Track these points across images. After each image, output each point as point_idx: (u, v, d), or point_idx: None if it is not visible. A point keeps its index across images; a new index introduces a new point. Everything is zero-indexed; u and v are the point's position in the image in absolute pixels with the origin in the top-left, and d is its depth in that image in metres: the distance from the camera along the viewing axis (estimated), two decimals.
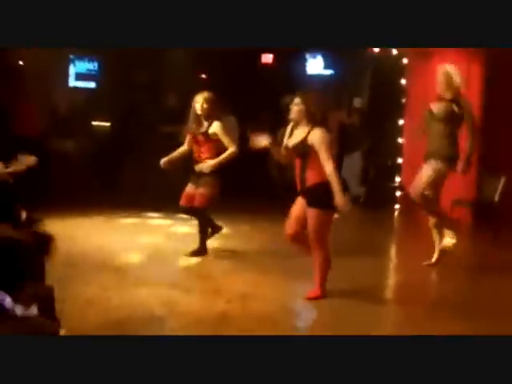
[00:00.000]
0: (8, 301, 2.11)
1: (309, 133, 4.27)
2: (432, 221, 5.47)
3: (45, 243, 3.25)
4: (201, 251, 5.65)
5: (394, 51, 8.88)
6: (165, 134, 9.68)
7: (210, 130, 5.50)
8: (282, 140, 4.57)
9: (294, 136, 4.40)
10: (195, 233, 5.78)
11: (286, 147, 4.43)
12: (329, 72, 10.40)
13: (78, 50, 9.90)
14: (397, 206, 9.08)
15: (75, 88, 10.56)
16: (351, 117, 9.89)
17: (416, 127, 5.42)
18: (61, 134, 9.52)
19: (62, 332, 2.53)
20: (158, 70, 10.36)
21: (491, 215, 7.61)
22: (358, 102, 9.90)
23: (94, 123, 10.49)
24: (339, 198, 4.13)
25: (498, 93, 8.26)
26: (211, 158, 5.52)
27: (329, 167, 4.16)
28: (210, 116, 5.51)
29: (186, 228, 6.95)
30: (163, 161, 5.72)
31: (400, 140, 9.12)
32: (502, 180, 7.66)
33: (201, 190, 5.50)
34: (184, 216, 6.07)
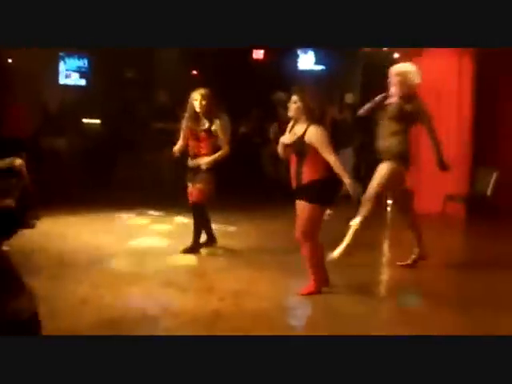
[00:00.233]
0: None
1: (306, 130, 4.27)
2: (409, 222, 5.37)
3: None
4: (194, 248, 5.63)
5: None
6: (156, 131, 9.65)
7: (213, 128, 5.51)
8: (275, 136, 4.56)
9: (292, 133, 4.39)
10: (188, 231, 5.75)
11: (283, 144, 4.41)
12: (320, 67, 10.39)
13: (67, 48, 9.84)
14: (389, 202, 9.07)
15: (65, 86, 10.49)
16: (343, 112, 9.88)
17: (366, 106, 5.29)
18: (52, 132, 9.46)
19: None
20: (149, 66, 10.31)
21: (484, 209, 7.64)
22: (349, 98, 9.88)
23: (85, 121, 10.43)
24: (349, 186, 4.20)
25: (490, 87, 8.28)
26: (209, 154, 5.53)
27: (332, 160, 4.20)
28: (209, 113, 5.51)
29: (179, 226, 6.92)
30: (175, 149, 5.66)
31: None
32: (495, 174, 7.68)
33: (198, 186, 5.52)
34: (178, 213, 6.03)
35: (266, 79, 9.84)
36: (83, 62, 10.80)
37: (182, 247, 5.66)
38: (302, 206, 4.31)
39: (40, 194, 5.07)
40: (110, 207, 7.78)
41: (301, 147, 4.27)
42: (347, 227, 5.03)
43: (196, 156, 5.57)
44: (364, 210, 5.02)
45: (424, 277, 5.14)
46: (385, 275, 5.43)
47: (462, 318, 4.04)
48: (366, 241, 6.50)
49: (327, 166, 4.29)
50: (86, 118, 10.43)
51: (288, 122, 4.50)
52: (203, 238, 5.77)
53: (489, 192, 7.66)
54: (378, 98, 5.24)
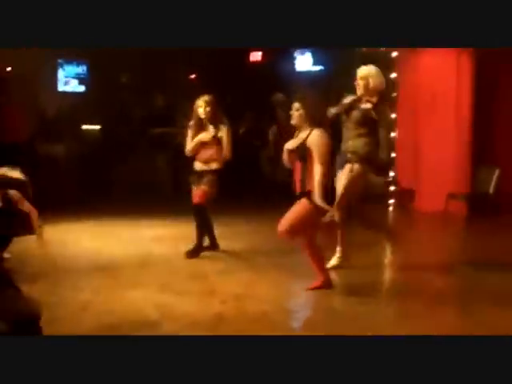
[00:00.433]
0: None
1: (308, 135, 4.27)
2: (338, 218, 5.14)
3: None
4: (197, 251, 5.63)
5: None
6: (154, 135, 9.65)
7: (219, 134, 5.58)
8: (274, 138, 4.55)
9: (296, 139, 4.40)
10: (191, 234, 5.73)
11: (287, 150, 4.40)
12: (318, 68, 10.36)
13: (66, 53, 9.83)
14: (391, 201, 9.04)
15: (64, 92, 10.49)
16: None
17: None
18: (50, 138, 9.45)
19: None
20: (146, 71, 10.31)
21: (486, 207, 7.60)
22: (348, 98, 9.83)
23: (84, 127, 10.43)
24: (317, 201, 4.18)
25: (490, 85, 8.24)
26: (216, 159, 5.58)
27: (318, 169, 4.19)
28: (213, 119, 5.58)
29: (179, 229, 6.90)
30: (189, 149, 5.67)
31: (392, 134, 9.09)
32: (497, 172, 7.64)
33: (202, 187, 5.57)
34: (177, 218, 6.00)
35: (263, 81, 9.82)
36: (82, 69, 10.79)
37: (181, 251, 5.63)
38: (302, 202, 4.29)
39: (39, 200, 5.07)
40: (109, 212, 7.76)
41: (303, 152, 4.28)
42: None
43: (202, 161, 5.62)
44: (339, 218, 4.99)
45: (426, 276, 5.10)
46: (386, 275, 5.39)
47: (464, 318, 4.01)
48: (366, 240, 6.49)
49: (328, 173, 4.29)
50: (85, 124, 10.43)
51: (287, 124, 4.49)
52: (206, 241, 5.75)
53: (491, 190, 7.62)
54: (346, 101, 5.19)
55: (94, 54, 9.33)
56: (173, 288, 4.60)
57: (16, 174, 5.20)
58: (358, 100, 5.14)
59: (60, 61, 10.50)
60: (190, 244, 5.67)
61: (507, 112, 8.29)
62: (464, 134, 8.23)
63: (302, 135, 4.35)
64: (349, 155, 5.10)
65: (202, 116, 5.56)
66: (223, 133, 5.59)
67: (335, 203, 4.91)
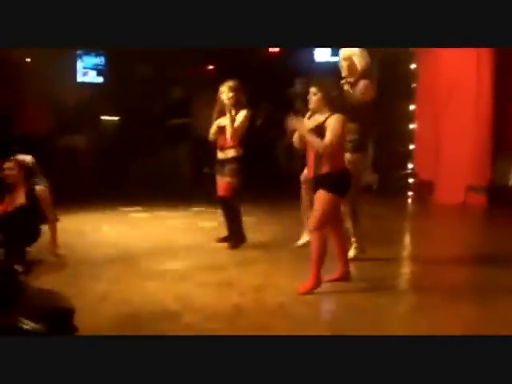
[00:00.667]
0: None
1: (327, 118, 4.20)
2: (347, 209, 5.08)
3: None
4: (228, 238, 5.67)
5: None
6: (173, 127, 9.66)
7: (237, 117, 5.52)
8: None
9: (310, 122, 4.33)
10: (210, 224, 5.75)
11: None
12: (337, 59, 10.28)
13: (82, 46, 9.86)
14: (410, 193, 8.99)
15: (83, 83, 10.53)
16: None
17: None
18: (70, 129, 9.53)
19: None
20: (164, 62, 10.30)
21: (505, 200, 7.52)
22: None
23: (103, 118, 10.48)
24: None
25: (510, 76, 8.12)
26: (235, 146, 5.53)
27: (326, 139, 4.10)
28: (237, 105, 5.53)
29: (198, 221, 6.92)
30: (210, 134, 5.64)
31: (411, 126, 9.02)
32: None
33: (226, 179, 5.55)
34: (195, 209, 6.02)
35: (282, 72, 9.77)
36: (100, 60, 10.82)
37: (200, 242, 5.65)
38: (319, 195, 4.24)
39: (58, 191, 5.15)
40: (128, 203, 7.81)
41: (320, 135, 4.19)
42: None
43: (223, 148, 5.58)
44: (348, 209, 4.97)
45: (445, 269, 5.06)
46: (405, 269, 5.35)
47: (483, 312, 3.97)
48: (385, 232, 6.46)
49: (343, 159, 4.26)
50: (103, 115, 10.48)
51: (305, 114, 4.45)
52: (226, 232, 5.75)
53: (510, 182, 7.54)
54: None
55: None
56: (192, 279, 4.62)
57: (27, 158, 5.27)
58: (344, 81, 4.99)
59: (79, 52, 10.54)
60: (209, 235, 5.69)
61: None
62: (483, 126, 8.15)
63: (319, 118, 4.25)
64: None
65: (226, 101, 5.52)
66: (239, 117, 5.52)
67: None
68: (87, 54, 10.65)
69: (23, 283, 2.60)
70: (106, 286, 4.46)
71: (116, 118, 10.61)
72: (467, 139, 8.16)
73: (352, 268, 4.71)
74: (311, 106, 4.31)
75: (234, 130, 5.48)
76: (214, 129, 5.61)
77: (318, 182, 4.26)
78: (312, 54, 10.46)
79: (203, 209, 7.16)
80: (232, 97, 5.49)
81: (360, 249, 5.21)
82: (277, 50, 10.48)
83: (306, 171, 5.02)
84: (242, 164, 5.57)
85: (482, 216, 7.76)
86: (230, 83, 5.54)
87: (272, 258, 5.21)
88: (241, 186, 5.60)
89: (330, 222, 4.32)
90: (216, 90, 5.67)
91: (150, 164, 9.69)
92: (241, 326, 3.64)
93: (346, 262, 4.53)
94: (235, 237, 5.67)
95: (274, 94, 9.34)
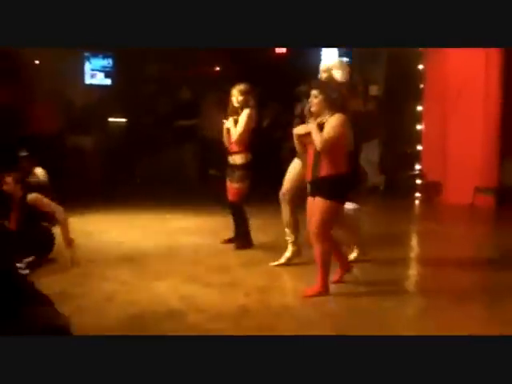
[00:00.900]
0: None
1: (328, 119, 4.16)
2: (287, 216, 5.07)
3: None
4: (234, 239, 5.70)
5: None
6: (180, 128, 9.69)
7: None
8: (301, 113, 4.50)
9: (309, 124, 4.30)
10: (216, 226, 5.76)
11: (296, 135, 4.33)
12: (344, 60, 10.27)
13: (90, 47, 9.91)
14: (417, 194, 8.95)
15: (91, 85, 10.58)
16: (368, 105, 9.75)
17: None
18: (78, 130, 9.58)
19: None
20: (172, 63, 10.34)
21: None
22: (374, 90, 9.77)
23: (111, 119, 10.53)
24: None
25: None
26: (241, 151, 5.51)
27: (323, 134, 4.08)
28: (244, 107, 5.52)
29: (204, 222, 6.93)
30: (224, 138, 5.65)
31: (419, 127, 8.99)
32: None
33: (234, 185, 5.55)
34: (200, 209, 6.01)
35: (289, 73, 9.77)
36: (108, 62, 10.86)
37: (207, 243, 5.66)
38: (318, 203, 4.17)
39: (67, 191, 5.19)
40: (135, 204, 7.83)
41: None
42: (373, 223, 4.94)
43: (230, 153, 5.60)
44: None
45: (452, 271, 5.03)
46: (412, 270, 5.32)
47: (490, 314, 3.94)
48: (392, 234, 6.43)
49: (344, 162, 4.18)
50: (111, 116, 10.53)
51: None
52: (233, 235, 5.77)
53: None
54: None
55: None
56: (198, 279, 4.62)
57: (42, 175, 5.34)
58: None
59: (87, 54, 10.59)
60: (215, 236, 5.70)
61: None
62: (492, 126, 8.10)
63: (322, 119, 4.20)
64: None
65: (236, 105, 5.53)
66: (241, 117, 5.49)
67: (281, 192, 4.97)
68: (95, 56, 10.70)
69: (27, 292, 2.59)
70: (113, 285, 4.48)
71: (123, 120, 10.65)
72: (475, 140, 8.12)
73: (358, 270, 4.69)
74: (313, 108, 4.27)
75: (238, 133, 5.47)
76: (224, 132, 5.61)
77: (316, 188, 4.20)
78: (319, 55, 10.45)
79: (209, 210, 7.16)
80: (242, 100, 5.50)
81: (362, 251, 5.17)
82: (284, 50, 10.49)
83: (284, 185, 5.06)
84: (251, 170, 5.56)
85: (490, 217, 7.71)
86: (240, 87, 5.53)
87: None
88: (248, 190, 5.60)
89: (332, 228, 4.27)
90: (223, 91, 5.69)
91: (157, 165, 9.72)
92: (246, 327, 3.65)
93: (342, 259, 4.50)
94: (241, 239, 5.68)
95: (281, 95, 9.33)
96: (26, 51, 8.22)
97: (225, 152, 5.69)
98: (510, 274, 4.83)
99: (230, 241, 5.75)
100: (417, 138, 9.03)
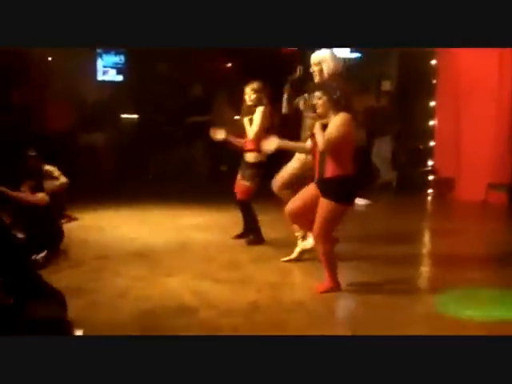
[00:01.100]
0: None
1: (331, 119, 4.15)
2: None
3: None
4: (244, 235, 5.74)
5: None
6: (192, 125, 9.70)
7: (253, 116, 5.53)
8: (304, 106, 4.49)
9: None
10: (227, 222, 5.77)
11: (311, 136, 4.33)
12: (356, 55, 10.23)
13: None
14: (430, 191, 8.91)
15: (103, 82, 10.62)
16: (380, 100, 9.72)
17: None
18: (90, 127, 9.62)
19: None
20: (183, 60, 10.34)
21: None
22: (386, 85, 9.73)
23: (123, 116, 10.57)
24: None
25: None
26: (254, 149, 5.49)
27: (325, 135, 4.04)
28: (258, 106, 5.51)
29: (215, 218, 6.95)
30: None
31: (432, 122, 8.94)
32: None
33: (244, 182, 5.57)
34: (211, 206, 6.00)
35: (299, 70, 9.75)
36: (120, 58, 10.90)
37: (218, 239, 5.68)
38: (322, 204, 4.14)
39: (78, 188, 5.22)
40: (147, 200, 7.87)
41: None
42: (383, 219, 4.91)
43: (245, 150, 5.61)
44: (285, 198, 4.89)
45: (465, 269, 5.00)
46: (425, 268, 5.30)
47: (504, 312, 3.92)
48: (404, 230, 6.41)
49: (351, 162, 4.16)
50: (123, 113, 10.56)
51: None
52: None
53: None
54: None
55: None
56: (210, 275, 4.64)
57: (56, 173, 5.38)
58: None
59: (99, 50, 10.63)
60: (226, 232, 5.71)
61: None
62: (505, 122, 8.03)
63: (326, 120, 4.18)
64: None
65: (249, 103, 5.54)
66: (256, 115, 5.49)
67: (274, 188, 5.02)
68: (107, 52, 10.73)
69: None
70: (126, 281, 4.50)
71: (135, 116, 10.68)
72: (488, 136, 8.06)
73: (370, 266, 4.68)
74: (318, 110, 4.24)
75: (253, 132, 5.48)
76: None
77: (322, 189, 4.18)
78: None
79: (220, 206, 7.17)
80: (255, 98, 5.50)
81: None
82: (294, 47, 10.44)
83: (275, 178, 5.11)
84: (262, 169, 5.54)
85: (503, 214, 7.65)
86: (253, 85, 5.53)
87: (288, 255, 5.19)
88: (257, 188, 5.60)
89: (334, 229, 4.26)
90: (235, 88, 5.69)
91: (169, 161, 9.75)
92: (257, 323, 3.66)
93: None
94: (253, 235, 5.69)
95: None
96: (38, 50, 8.28)
97: (235, 149, 5.71)
98: None
99: (240, 236, 5.77)
100: (429, 133, 8.98)
